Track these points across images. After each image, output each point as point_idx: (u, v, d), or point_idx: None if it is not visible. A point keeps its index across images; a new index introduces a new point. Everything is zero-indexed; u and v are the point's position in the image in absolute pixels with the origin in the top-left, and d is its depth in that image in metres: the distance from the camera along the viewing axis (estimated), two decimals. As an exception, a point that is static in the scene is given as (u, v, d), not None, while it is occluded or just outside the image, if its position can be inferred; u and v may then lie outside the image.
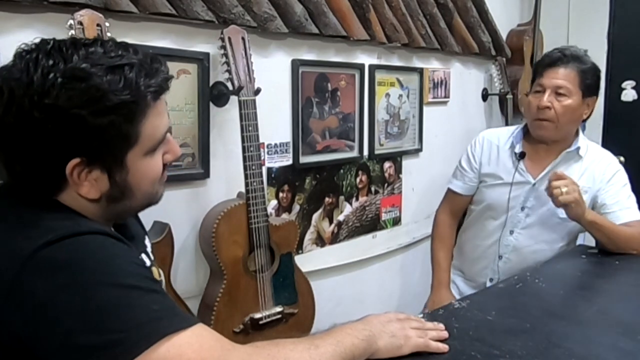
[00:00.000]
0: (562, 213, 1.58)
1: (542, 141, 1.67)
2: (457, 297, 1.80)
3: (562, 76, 1.59)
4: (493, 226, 1.74)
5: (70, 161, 0.74)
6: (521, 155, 1.68)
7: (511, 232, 1.71)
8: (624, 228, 1.57)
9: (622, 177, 1.66)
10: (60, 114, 0.71)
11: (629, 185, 1.66)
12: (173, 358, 0.67)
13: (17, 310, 0.67)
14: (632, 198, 1.65)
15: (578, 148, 1.65)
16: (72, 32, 1.21)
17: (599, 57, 2.83)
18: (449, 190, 1.88)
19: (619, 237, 1.54)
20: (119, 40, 1.36)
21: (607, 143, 2.86)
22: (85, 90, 0.71)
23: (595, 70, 1.64)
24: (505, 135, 1.76)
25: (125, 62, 0.75)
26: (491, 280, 1.76)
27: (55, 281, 0.67)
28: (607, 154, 1.72)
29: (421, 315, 1.09)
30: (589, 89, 1.61)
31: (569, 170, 1.64)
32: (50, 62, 0.72)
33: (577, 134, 1.69)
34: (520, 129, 1.74)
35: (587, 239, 1.82)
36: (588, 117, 1.68)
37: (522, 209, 1.69)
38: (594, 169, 1.66)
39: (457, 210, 1.89)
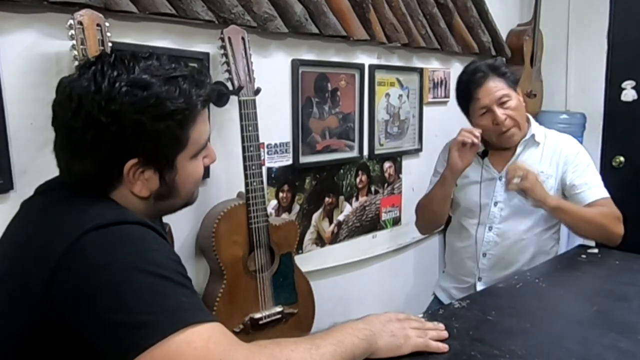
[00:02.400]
0: None
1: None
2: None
3: (494, 88, 1.65)
4: (471, 226, 1.78)
5: (128, 161, 0.82)
6: (484, 153, 1.75)
7: (490, 229, 1.74)
8: (588, 210, 1.59)
9: (585, 156, 1.70)
10: (123, 119, 0.79)
11: (592, 164, 1.70)
12: (182, 343, 0.71)
13: (63, 285, 0.73)
14: (598, 176, 1.68)
15: (533, 135, 1.71)
16: (72, 32, 1.21)
17: (599, 57, 2.83)
18: None
19: (584, 219, 1.57)
20: (119, 40, 1.38)
21: (607, 143, 2.86)
22: (146, 98, 0.80)
23: (505, 64, 1.75)
24: None
25: (179, 74, 0.84)
26: (480, 279, 1.77)
27: (97, 262, 0.73)
28: (566, 137, 1.76)
29: (421, 315, 1.09)
30: (513, 83, 1.69)
31: (530, 157, 1.71)
32: (115, 72, 0.80)
33: (528, 123, 1.74)
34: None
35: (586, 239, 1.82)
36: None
37: (495, 204, 1.73)
38: (553, 152, 1.70)
39: None
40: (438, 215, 1.81)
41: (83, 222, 0.76)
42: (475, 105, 1.67)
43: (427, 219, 1.88)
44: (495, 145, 1.73)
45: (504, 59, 2.76)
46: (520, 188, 1.55)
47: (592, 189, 1.63)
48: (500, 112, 1.63)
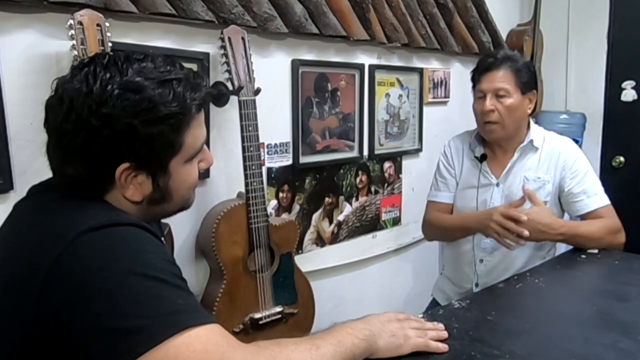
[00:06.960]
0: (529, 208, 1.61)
1: (495, 142, 1.70)
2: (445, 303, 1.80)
3: (498, 79, 1.62)
4: None
5: (120, 165, 0.80)
6: (482, 158, 1.72)
7: (486, 235, 1.68)
8: (588, 229, 1.57)
9: (584, 162, 1.66)
10: (115, 122, 0.77)
11: (591, 170, 1.66)
12: (180, 346, 0.70)
13: (56, 289, 0.72)
14: (597, 182, 1.65)
15: (531, 140, 1.68)
16: (72, 32, 1.21)
17: (599, 57, 2.83)
18: (434, 203, 1.84)
19: (586, 239, 1.56)
20: (119, 40, 1.37)
21: (607, 143, 2.86)
22: (138, 101, 0.78)
23: (528, 66, 1.68)
24: (467, 139, 1.80)
25: (173, 77, 0.82)
26: (476, 285, 1.76)
27: (91, 265, 0.72)
28: (565, 141, 1.71)
29: (421, 316, 1.09)
30: (526, 85, 1.64)
31: (527, 163, 1.68)
32: (108, 75, 0.78)
33: (528, 127, 1.71)
34: (476, 134, 1.77)
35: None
36: (533, 111, 1.71)
37: None
38: (551, 157, 1.67)
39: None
40: (456, 239, 1.80)
41: (77, 224, 0.75)
42: (476, 86, 1.67)
43: (443, 239, 1.94)
44: (493, 148, 1.72)
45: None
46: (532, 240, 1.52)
47: (591, 197, 1.61)
48: (489, 102, 1.61)
